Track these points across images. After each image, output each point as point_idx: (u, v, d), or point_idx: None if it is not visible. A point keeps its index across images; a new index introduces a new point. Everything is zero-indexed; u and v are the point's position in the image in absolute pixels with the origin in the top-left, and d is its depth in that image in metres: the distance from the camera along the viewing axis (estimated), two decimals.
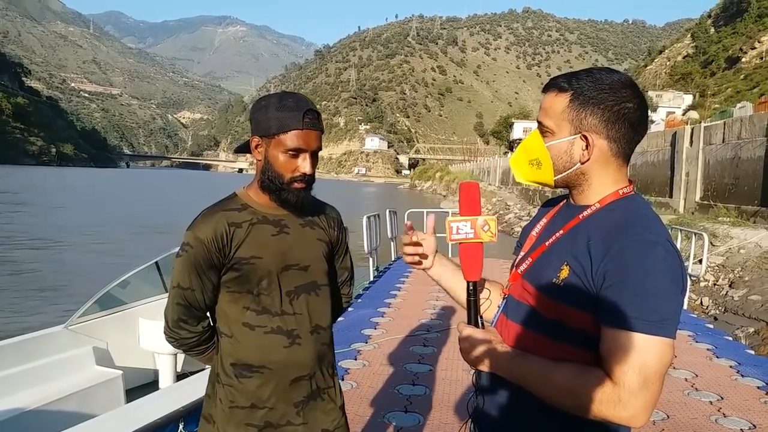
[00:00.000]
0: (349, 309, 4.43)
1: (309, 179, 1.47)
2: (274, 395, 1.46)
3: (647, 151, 21.06)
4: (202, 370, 3.48)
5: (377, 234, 8.55)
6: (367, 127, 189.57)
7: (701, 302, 9.45)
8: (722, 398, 3.77)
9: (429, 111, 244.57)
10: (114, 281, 4.43)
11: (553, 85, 1.13)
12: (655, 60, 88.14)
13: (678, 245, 7.66)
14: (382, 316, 5.71)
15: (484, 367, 1.13)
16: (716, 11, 76.31)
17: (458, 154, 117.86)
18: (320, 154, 1.52)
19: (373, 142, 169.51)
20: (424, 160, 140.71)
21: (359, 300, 6.42)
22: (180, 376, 4.24)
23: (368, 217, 8.09)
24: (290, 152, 1.42)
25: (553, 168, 1.13)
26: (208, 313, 1.53)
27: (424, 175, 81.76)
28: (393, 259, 9.67)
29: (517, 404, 1.12)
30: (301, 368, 1.49)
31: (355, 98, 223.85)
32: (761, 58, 52.98)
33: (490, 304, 1.31)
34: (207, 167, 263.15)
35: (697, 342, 5.16)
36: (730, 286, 9.53)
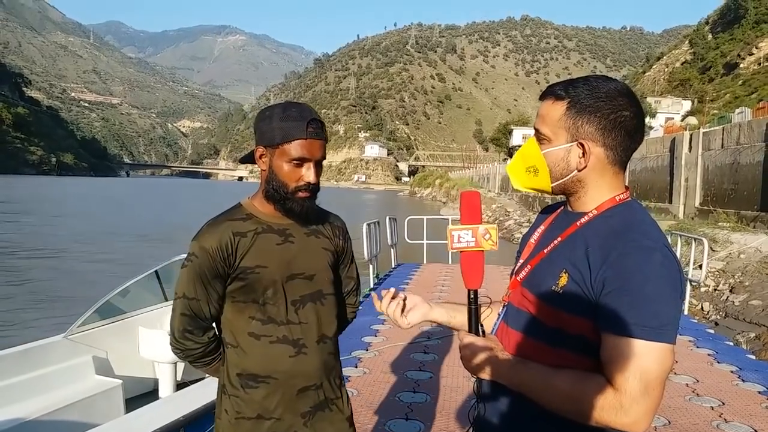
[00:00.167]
0: None
1: (313, 188, 1.47)
2: (281, 406, 1.46)
3: (646, 157, 21.09)
4: (202, 379, 3.47)
5: (377, 241, 8.55)
6: (367, 134, 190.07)
7: (702, 307, 9.43)
8: (723, 403, 3.76)
9: (428, 118, 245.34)
10: (114, 290, 4.42)
11: (550, 93, 1.14)
12: (654, 66, 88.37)
13: (678, 251, 7.68)
14: (383, 324, 5.70)
15: (485, 374, 1.13)
16: (714, 18, 76.62)
17: (458, 161, 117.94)
18: None
19: (373, 150, 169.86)
20: (423, 167, 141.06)
21: (359, 307, 6.40)
22: (180, 386, 4.22)
23: (368, 225, 8.10)
24: (294, 162, 1.42)
25: (550, 175, 1.14)
26: (213, 324, 1.52)
27: (424, 182, 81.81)
28: (393, 265, 9.67)
29: (518, 411, 1.12)
30: (308, 378, 1.48)
31: (354, 106, 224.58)
32: (759, 64, 53.16)
33: (491, 313, 1.32)
34: (207, 176, 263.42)
35: (698, 347, 5.14)
36: (730, 291, 9.52)
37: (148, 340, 4.28)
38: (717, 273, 10.31)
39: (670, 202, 18.93)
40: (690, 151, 18.09)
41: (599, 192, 1.12)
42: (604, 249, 1.03)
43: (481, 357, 1.12)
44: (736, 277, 9.89)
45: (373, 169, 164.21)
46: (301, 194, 1.45)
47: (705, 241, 7.35)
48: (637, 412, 0.96)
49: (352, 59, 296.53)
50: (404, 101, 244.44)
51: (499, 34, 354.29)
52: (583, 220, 1.12)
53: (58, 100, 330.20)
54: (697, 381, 4.20)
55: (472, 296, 1.19)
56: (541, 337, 1.10)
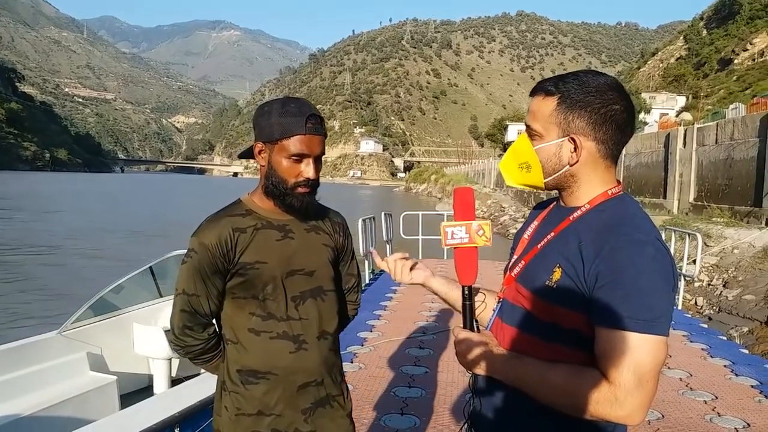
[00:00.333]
0: None
1: (313, 184, 1.47)
2: (281, 402, 1.45)
3: (641, 153, 21.15)
4: (197, 375, 3.47)
5: (373, 237, 8.55)
6: (362, 130, 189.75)
7: (696, 302, 9.49)
8: (717, 397, 3.78)
9: (424, 114, 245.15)
10: (108, 286, 4.41)
11: (540, 89, 1.15)
12: (648, 62, 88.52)
13: (672, 246, 7.72)
14: (378, 319, 5.71)
15: (480, 370, 1.13)
16: (708, 13, 76.75)
17: (453, 157, 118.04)
18: None
19: (368, 145, 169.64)
20: (419, 162, 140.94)
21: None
22: (175, 381, 4.22)
23: (364, 220, 8.10)
24: (293, 157, 1.42)
25: (543, 171, 1.14)
26: (214, 321, 1.52)
27: (420, 177, 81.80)
28: None
29: (513, 406, 1.13)
30: (308, 374, 1.48)
31: (349, 102, 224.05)
32: (753, 60, 53.33)
33: (485, 307, 1.32)
34: (202, 171, 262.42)
35: (691, 342, 5.18)
36: (724, 286, 9.58)
37: (143, 337, 4.28)
38: (711, 268, 10.36)
39: (665, 197, 19.01)
40: (684, 147, 18.15)
41: (592, 186, 1.13)
42: (596, 243, 1.03)
43: (476, 352, 1.13)
44: (729, 272, 9.94)
45: (369, 164, 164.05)
46: (300, 190, 1.45)
47: (699, 236, 7.40)
48: (632, 404, 0.96)
49: (347, 55, 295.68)
50: (400, 97, 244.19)
51: (494, 29, 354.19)
52: (575, 214, 1.12)
53: (52, 95, 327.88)
54: (691, 375, 4.23)
55: (466, 292, 1.19)
56: (535, 332, 1.10)
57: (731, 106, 23.03)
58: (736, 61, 56.44)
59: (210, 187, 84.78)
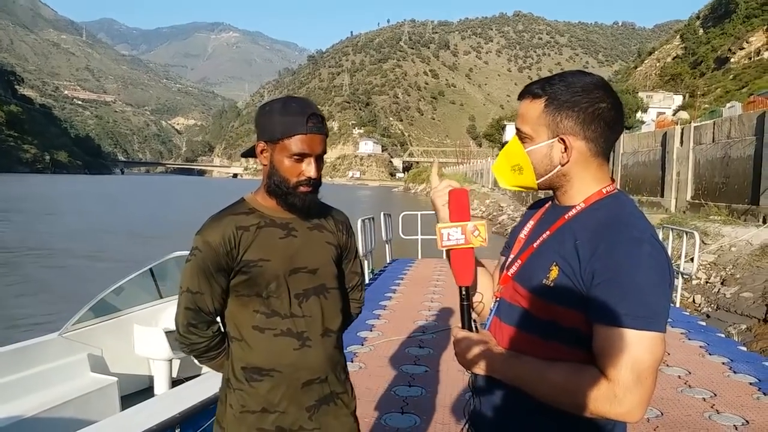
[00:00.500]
0: None
1: (315, 183, 1.48)
2: (286, 399, 1.46)
3: (638, 152, 21.18)
4: (198, 375, 3.48)
5: (372, 237, 8.57)
6: (361, 131, 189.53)
7: (693, 300, 9.51)
8: (715, 395, 3.79)
9: (422, 114, 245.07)
10: (108, 288, 4.42)
11: (527, 92, 1.16)
12: (645, 61, 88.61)
13: (669, 244, 7.74)
14: (378, 318, 5.72)
15: (480, 369, 1.14)
16: (704, 12, 76.89)
17: (452, 157, 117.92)
18: None
19: (367, 146, 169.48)
20: (417, 163, 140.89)
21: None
22: (175, 382, 4.23)
23: (363, 220, 8.12)
24: (295, 157, 1.43)
25: (535, 172, 1.16)
26: (218, 319, 1.53)
27: (418, 177, 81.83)
28: (388, 261, 9.69)
29: (513, 405, 1.14)
30: (313, 371, 1.48)
31: (348, 103, 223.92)
32: (750, 59, 53.39)
33: (483, 307, 1.33)
34: (201, 173, 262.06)
35: (689, 339, 5.18)
36: (722, 283, 9.60)
37: (143, 338, 4.29)
38: (708, 266, 10.38)
39: (662, 195, 19.03)
40: (681, 146, 18.18)
41: (585, 185, 1.14)
42: (592, 241, 1.04)
43: (475, 352, 1.13)
44: (727, 269, 9.96)
45: (368, 165, 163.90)
46: (302, 189, 1.46)
47: (696, 234, 7.42)
48: (631, 401, 0.97)
49: (345, 56, 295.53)
50: (398, 97, 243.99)
51: (491, 30, 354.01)
52: (570, 213, 1.13)
53: (51, 98, 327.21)
54: (689, 373, 4.23)
55: (463, 293, 1.20)
56: (534, 330, 1.11)
57: (728, 105, 23.06)
58: (732, 60, 56.52)
59: (209, 188, 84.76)
